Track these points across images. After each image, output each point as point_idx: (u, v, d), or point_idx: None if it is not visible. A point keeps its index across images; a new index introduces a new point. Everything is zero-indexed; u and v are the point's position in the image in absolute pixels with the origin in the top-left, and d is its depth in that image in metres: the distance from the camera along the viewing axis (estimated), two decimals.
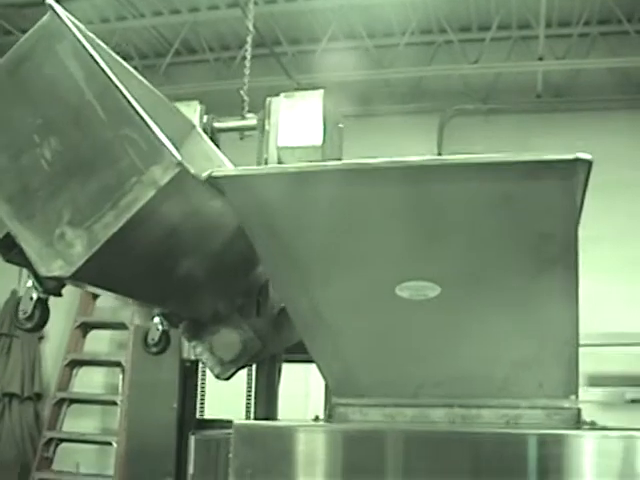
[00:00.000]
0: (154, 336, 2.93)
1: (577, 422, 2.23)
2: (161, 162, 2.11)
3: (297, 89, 3.94)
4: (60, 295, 2.30)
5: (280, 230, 2.02)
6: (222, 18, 8.20)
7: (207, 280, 2.66)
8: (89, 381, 8.99)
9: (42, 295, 2.31)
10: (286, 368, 3.61)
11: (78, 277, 2.19)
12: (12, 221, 2.21)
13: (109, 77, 2.17)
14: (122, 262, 2.28)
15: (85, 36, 2.29)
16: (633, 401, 7.27)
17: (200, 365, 4.30)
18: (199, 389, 4.29)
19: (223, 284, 2.74)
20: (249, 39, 6.08)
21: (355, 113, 7.99)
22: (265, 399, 3.33)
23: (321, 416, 2.37)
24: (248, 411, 4.21)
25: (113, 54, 2.66)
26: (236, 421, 2.20)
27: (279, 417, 3.38)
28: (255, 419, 3.33)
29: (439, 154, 8.30)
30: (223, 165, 3.18)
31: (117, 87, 2.16)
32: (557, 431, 2.10)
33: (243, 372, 4.50)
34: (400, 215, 1.97)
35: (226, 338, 2.80)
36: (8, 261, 2.29)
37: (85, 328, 9.03)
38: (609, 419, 2.33)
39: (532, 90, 8.31)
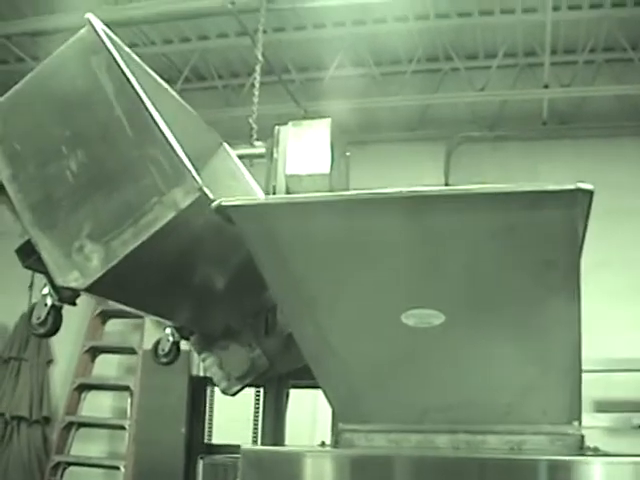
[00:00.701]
0: (164, 347, 2.96)
1: (581, 448, 2.25)
2: (183, 185, 2.14)
3: (305, 117, 4.00)
4: (74, 304, 2.32)
5: (288, 258, 2.05)
6: (231, 46, 8.30)
7: (220, 297, 2.68)
8: (97, 405, 9.00)
9: (57, 303, 2.32)
10: (294, 394, 3.63)
11: (93, 290, 2.22)
12: (33, 228, 2.24)
13: (138, 94, 2.19)
14: (137, 277, 2.31)
15: (120, 51, 2.32)
16: None
17: (208, 390, 4.33)
18: (207, 414, 4.32)
19: (235, 302, 2.76)
20: (258, 68, 6.17)
21: (362, 140, 8.05)
22: (272, 424, 3.35)
23: (327, 442, 2.39)
24: (256, 436, 4.23)
25: (148, 70, 2.67)
26: (243, 446, 2.22)
27: (287, 442, 3.39)
28: (262, 444, 3.34)
29: (446, 181, 8.34)
30: (247, 184, 3.19)
31: (145, 106, 2.18)
32: (561, 457, 2.12)
33: (251, 397, 4.54)
34: (405, 244, 2.00)
35: (235, 354, 2.81)
36: (27, 267, 2.31)
37: (94, 352, 9.05)
38: (616, 445, 2.35)
39: (538, 117, 8.35)
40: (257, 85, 6.32)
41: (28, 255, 2.28)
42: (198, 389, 4.20)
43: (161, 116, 2.23)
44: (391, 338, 2.13)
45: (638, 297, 7.74)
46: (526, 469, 2.07)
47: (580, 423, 2.28)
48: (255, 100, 6.21)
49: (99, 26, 2.29)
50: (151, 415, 4.50)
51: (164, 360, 3.00)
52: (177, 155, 2.16)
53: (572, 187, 1.79)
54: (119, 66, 2.22)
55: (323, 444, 2.36)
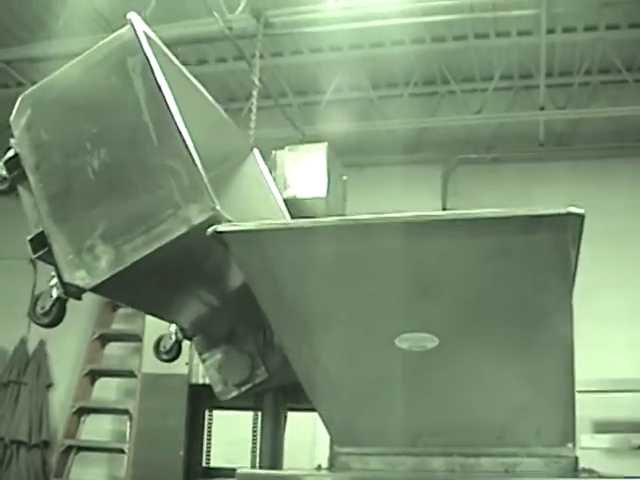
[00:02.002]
0: (166, 344, 2.98)
1: (575, 470, 2.25)
2: (199, 202, 2.13)
3: (302, 140, 4.04)
4: (80, 299, 2.31)
5: (282, 283, 2.07)
6: (229, 70, 8.36)
7: (225, 306, 2.66)
8: (97, 429, 8.98)
9: (62, 295, 2.32)
10: (293, 417, 3.64)
11: (98, 290, 2.22)
12: (48, 220, 2.25)
13: (168, 104, 2.17)
14: (143, 283, 2.31)
15: (158, 54, 2.29)
16: None
17: (207, 414, 4.34)
18: (205, 437, 4.32)
19: (240, 312, 2.74)
20: (255, 92, 6.23)
21: (359, 163, 8.09)
22: (270, 447, 3.35)
23: (324, 465, 2.40)
24: (254, 459, 4.24)
25: (184, 72, 2.65)
26: (239, 470, 2.22)
27: (285, 465, 3.39)
28: (260, 467, 3.35)
29: (444, 205, 8.37)
30: (269, 191, 3.17)
31: (173, 117, 2.17)
32: (554, 479, 2.13)
33: (249, 420, 4.54)
34: (399, 268, 2.02)
35: (235, 361, 2.81)
36: (37, 257, 2.31)
37: (93, 376, 9.04)
38: (616, 466, 2.36)
39: (535, 139, 8.40)
40: (254, 109, 6.38)
41: (40, 246, 2.27)
42: (198, 391, 4.20)
43: (189, 124, 2.21)
44: (385, 362, 2.15)
45: (636, 318, 7.76)
46: None
47: (574, 445, 2.29)
48: (253, 124, 6.27)
49: (140, 27, 2.27)
50: (150, 438, 4.49)
51: (165, 357, 3.01)
52: (198, 171, 2.15)
53: (564, 211, 1.78)
54: (153, 72, 2.19)
55: (319, 467, 2.37)
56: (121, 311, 9.46)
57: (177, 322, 2.86)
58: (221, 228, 1.99)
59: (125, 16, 2.30)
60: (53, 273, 2.27)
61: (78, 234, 2.22)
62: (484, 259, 1.96)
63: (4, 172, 2.37)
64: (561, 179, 8.27)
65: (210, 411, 4.41)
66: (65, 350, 9.22)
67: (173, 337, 2.96)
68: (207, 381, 3.50)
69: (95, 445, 8.83)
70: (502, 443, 2.23)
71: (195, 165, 2.15)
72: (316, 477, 2.26)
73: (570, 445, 2.28)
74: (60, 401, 9.22)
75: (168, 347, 2.98)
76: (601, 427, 7.34)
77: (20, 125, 2.35)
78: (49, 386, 9.27)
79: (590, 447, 6.84)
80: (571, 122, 8.54)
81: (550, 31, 7.40)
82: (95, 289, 2.21)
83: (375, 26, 7.36)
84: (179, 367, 4.24)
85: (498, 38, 7.84)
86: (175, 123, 2.16)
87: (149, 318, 4.62)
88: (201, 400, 4.27)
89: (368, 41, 8.01)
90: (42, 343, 9.35)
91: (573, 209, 1.77)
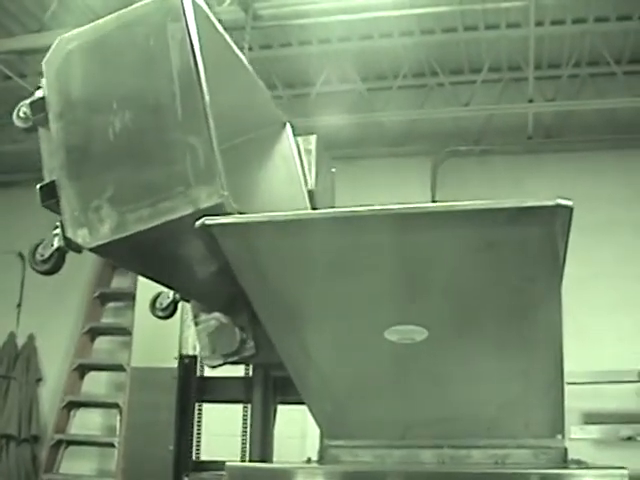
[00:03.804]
0: (163, 301, 2.97)
1: (564, 461, 2.27)
2: (210, 185, 2.09)
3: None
4: (80, 252, 2.30)
5: (271, 276, 2.07)
6: None
7: (223, 280, 2.65)
8: (87, 423, 8.98)
9: (63, 247, 2.29)
10: (283, 410, 3.64)
11: (96, 251, 2.20)
12: (62, 172, 2.23)
13: (200, 80, 2.13)
14: (143, 252, 2.29)
15: (201, 22, 2.23)
16: (629, 438, 7.27)
17: (197, 408, 4.33)
18: (195, 430, 4.31)
19: (237, 286, 2.75)
20: None
21: (348, 156, 8.09)
22: (260, 441, 3.35)
23: (314, 458, 2.40)
24: (244, 452, 4.23)
25: (227, 40, 2.58)
26: (228, 463, 2.23)
27: (275, 458, 3.40)
28: (250, 460, 3.35)
29: (433, 197, 8.38)
30: (295, 171, 3.14)
31: (203, 94, 2.13)
32: (544, 470, 2.14)
33: (239, 413, 4.54)
34: (388, 261, 2.02)
35: (227, 331, 2.81)
36: (44, 206, 2.29)
37: (82, 370, 9.03)
38: (605, 457, 2.37)
39: (523, 131, 8.42)
40: None
41: (49, 196, 2.24)
42: (188, 363, 4.21)
43: (219, 94, 2.17)
44: (375, 354, 2.15)
45: (625, 309, 7.79)
46: None
47: (564, 436, 2.30)
48: None
49: None
50: (139, 432, 4.48)
51: (160, 314, 3.01)
52: (215, 155, 2.11)
53: (552, 203, 1.78)
54: (191, 44, 2.14)
55: (309, 460, 2.37)
56: (110, 305, 9.45)
57: (174, 289, 2.85)
58: (209, 221, 1.98)
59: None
60: (58, 223, 2.25)
61: (88, 192, 2.20)
62: (472, 251, 1.96)
63: (28, 112, 2.34)
64: (550, 171, 8.29)
65: (200, 405, 4.40)
66: (54, 344, 9.20)
67: (170, 296, 2.96)
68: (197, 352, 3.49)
69: (85, 439, 8.82)
70: (492, 435, 2.24)
71: (213, 149, 2.11)
72: (306, 470, 2.26)
73: (559, 436, 2.29)
74: (50, 395, 9.21)
75: (165, 305, 2.98)
76: (590, 418, 7.37)
77: (52, 68, 2.31)
78: (38, 380, 9.25)
79: (579, 438, 6.88)
80: (560, 114, 8.55)
81: (539, 23, 7.41)
82: (94, 249, 2.20)
83: (364, 18, 7.35)
84: (168, 361, 4.23)
85: (487, 30, 7.84)
86: (203, 102, 2.12)
87: (138, 312, 4.62)
88: (191, 393, 4.26)
89: (357, 33, 8.00)
90: (31, 337, 9.33)
91: (561, 201, 1.76)
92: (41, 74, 2.37)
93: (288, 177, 3.12)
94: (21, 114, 2.37)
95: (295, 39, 8.04)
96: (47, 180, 2.28)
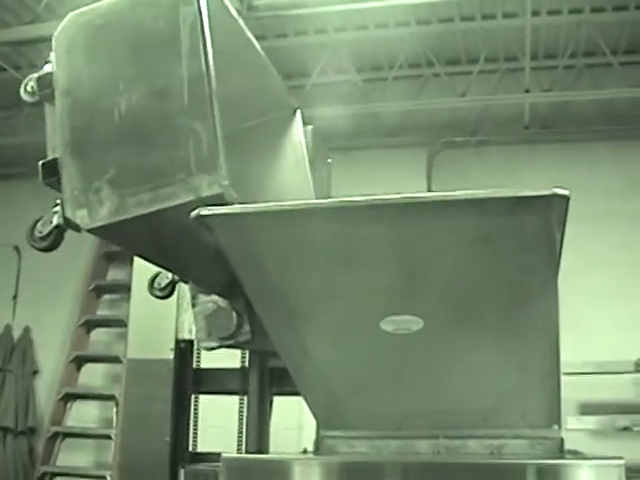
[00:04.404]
0: (161, 281, 2.97)
1: (561, 451, 2.26)
2: (211, 174, 2.08)
3: None
4: (79, 231, 2.29)
5: (267, 267, 2.06)
6: None
7: (223, 266, 2.66)
8: (83, 415, 8.99)
9: (62, 225, 2.28)
10: (280, 401, 3.64)
11: (94, 232, 2.19)
12: (65, 150, 2.20)
13: (208, 67, 2.10)
14: (141, 235, 2.28)
15: (216, 6, 2.20)
16: (625, 429, 7.29)
17: (193, 399, 4.33)
18: (192, 422, 4.31)
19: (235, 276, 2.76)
20: None
21: (345, 146, 8.08)
22: (256, 432, 3.35)
23: (310, 449, 2.40)
24: (240, 444, 4.23)
25: (243, 27, 2.56)
26: (224, 454, 2.22)
27: (271, 449, 3.39)
28: (246, 452, 3.35)
29: (429, 187, 8.39)
30: (303, 158, 3.10)
31: (210, 82, 2.10)
32: (540, 461, 2.13)
33: (235, 405, 4.54)
34: (384, 251, 2.01)
35: (224, 315, 2.81)
36: (45, 183, 2.27)
37: (79, 362, 9.04)
38: (602, 448, 2.37)
39: (520, 121, 8.41)
40: None
41: (50, 174, 2.22)
42: (184, 348, 4.22)
43: (227, 78, 2.15)
44: (371, 345, 2.15)
45: (622, 299, 7.81)
46: (506, 473, 2.08)
47: (560, 426, 2.29)
48: None
49: None
50: (136, 424, 4.48)
51: (158, 294, 3.00)
52: (218, 144, 2.09)
53: (548, 193, 1.77)
54: (202, 29, 2.11)
55: (305, 451, 2.37)
56: (106, 297, 9.45)
57: (172, 272, 2.84)
58: (204, 212, 1.97)
59: None
60: (58, 200, 2.23)
61: (89, 172, 2.18)
62: (468, 241, 1.95)
63: (35, 86, 2.32)
64: (547, 161, 8.29)
65: (196, 396, 4.40)
66: (50, 336, 9.20)
67: (169, 276, 2.95)
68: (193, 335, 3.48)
69: (82, 431, 8.83)
70: (488, 425, 2.23)
71: (217, 137, 2.09)
72: (302, 461, 2.26)
73: (556, 427, 2.29)
74: (46, 388, 9.21)
75: (163, 285, 2.98)
76: (587, 409, 7.39)
77: (62, 44, 2.27)
78: (35, 373, 9.25)
79: (576, 429, 6.90)
80: (556, 105, 8.54)
81: (535, 13, 7.40)
82: (92, 231, 2.18)
83: (359, 9, 7.33)
84: (164, 352, 4.23)
85: (483, 21, 7.83)
86: (210, 89, 2.09)
87: (134, 304, 4.61)
88: (187, 384, 4.27)
89: (353, 24, 7.98)
90: (27, 330, 9.33)
91: (558, 190, 1.75)
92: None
93: (296, 164, 3.10)
94: (28, 88, 2.34)
95: (290, 30, 8.02)
96: (50, 157, 2.25)
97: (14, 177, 9.37)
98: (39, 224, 2.34)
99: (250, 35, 2.66)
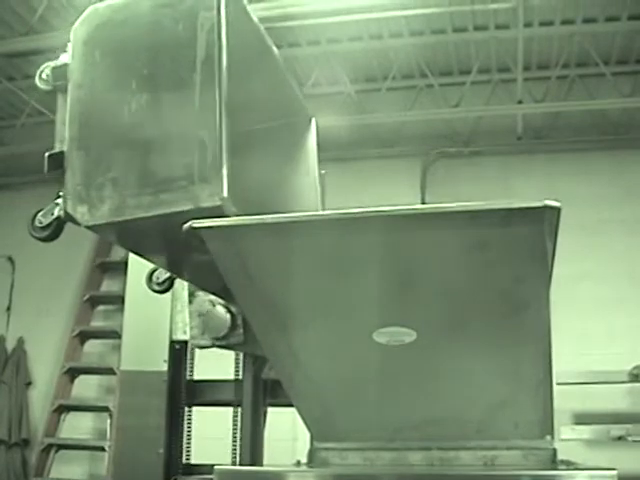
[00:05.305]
0: (160, 276, 2.96)
1: (553, 462, 2.26)
2: (212, 185, 2.07)
3: None
4: (79, 225, 2.29)
5: (258, 279, 2.06)
6: None
7: (217, 273, 2.66)
8: (77, 427, 8.95)
9: (62, 216, 2.26)
10: (274, 412, 3.63)
11: (93, 229, 2.19)
12: (72, 143, 2.20)
13: (220, 76, 2.09)
14: (139, 237, 2.28)
15: (236, 12, 2.20)
16: (620, 438, 7.29)
17: (186, 411, 4.32)
18: (185, 434, 4.30)
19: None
20: None
21: (338, 157, 8.09)
22: (250, 444, 3.35)
23: (303, 460, 2.39)
24: (234, 455, 4.22)
25: (263, 33, 2.55)
26: (217, 467, 2.21)
27: (265, 461, 3.39)
28: (240, 464, 3.34)
29: (423, 198, 8.40)
30: (313, 166, 3.10)
31: (221, 91, 2.09)
32: (533, 472, 2.13)
33: (229, 416, 4.54)
34: (377, 263, 2.02)
35: (219, 316, 2.81)
36: (50, 175, 2.26)
37: (73, 373, 9.01)
38: (596, 457, 2.37)
39: (513, 132, 8.44)
40: None
41: (55, 166, 2.22)
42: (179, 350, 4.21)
43: (240, 86, 2.15)
44: (363, 356, 2.14)
45: (615, 309, 7.81)
46: None
47: (553, 437, 2.29)
48: None
49: None
50: (129, 436, 4.47)
51: (156, 288, 3.00)
52: (222, 156, 2.08)
53: (540, 204, 1.79)
54: (219, 37, 2.11)
55: (298, 463, 2.36)
56: (100, 308, 9.43)
57: (169, 271, 2.84)
58: (196, 224, 1.97)
59: None
60: (61, 192, 2.22)
61: (94, 169, 2.17)
62: (461, 252, 1.96)
63: (50, 76, 2.32)
64: (540, 172, 8.31)
65: (190, 408, 4.39)
66: (44, 348, 9.18)
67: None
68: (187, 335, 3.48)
69: (75, 443, 8.79)
70: (481, 436, 2.23)
71: (222, 148, 2.08)
72: (295, 473, 2.25)
73: (548, 437, 2.28)
74: (40, 399, 9.18)
75: (161, 279, 2.97)
76: (581, 419, 7.39)
77: (79, 36, 2.27)
78: (28, 384, 9.22)
79: (570, 439, 6.89)
80: (549, 115, 8.57)
81: (527, 24, 7.43)
82: (90, 228, 2.18)
83: (353, 20, 7.36)
84: (158, 364, 4.22)
85: (476, 32, 7.86)
86: (220, 98, 2.09)
87: (127, 315, 4.60)
88: (181, 396, 4.26)
89: (346, 35, 8.01)
90: (21, 341, 9.30)
91: (549, 202, 1.77)
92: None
93: (306, 173, 3.09)
94: (43, 76, 2.34)
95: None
96: (57, 149, 2.25)
97: (7, 187, 9.36)
98: (40, 214, 2.34)
99: (270, 42, 2.65)
